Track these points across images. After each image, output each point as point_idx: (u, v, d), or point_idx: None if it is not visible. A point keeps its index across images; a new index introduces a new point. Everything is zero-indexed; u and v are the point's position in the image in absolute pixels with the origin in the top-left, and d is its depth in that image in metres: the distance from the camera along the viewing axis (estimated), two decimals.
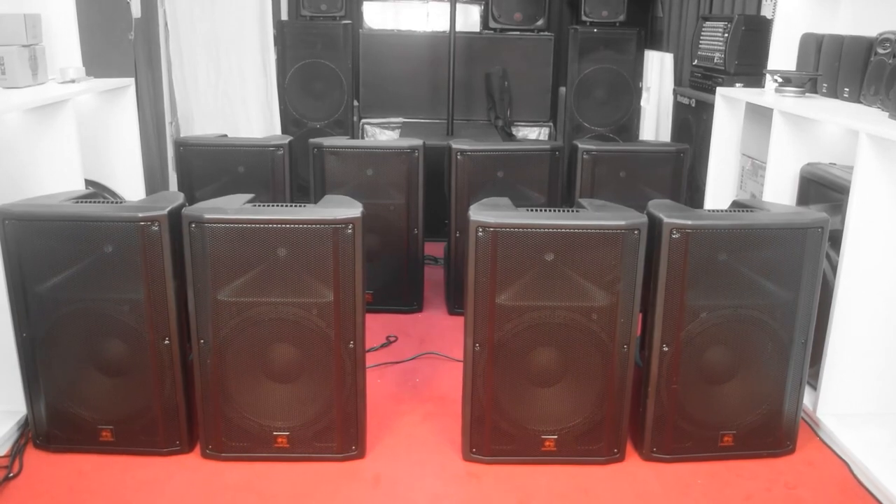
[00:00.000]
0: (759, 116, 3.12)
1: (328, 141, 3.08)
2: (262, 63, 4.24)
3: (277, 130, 4.35)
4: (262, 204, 2.03)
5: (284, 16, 4.68)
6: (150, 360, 2.03)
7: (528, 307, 1.98)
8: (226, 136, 3.41)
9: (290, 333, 2.00)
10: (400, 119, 4.78)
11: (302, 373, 2.04)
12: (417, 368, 2.72)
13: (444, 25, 4.72)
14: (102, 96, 2.97)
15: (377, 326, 3.00)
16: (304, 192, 3.22)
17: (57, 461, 2.08)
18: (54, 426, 2.09)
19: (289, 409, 2.07)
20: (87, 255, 1.95)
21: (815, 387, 2.33)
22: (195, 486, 2.01)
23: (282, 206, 2.00)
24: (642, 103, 4.49)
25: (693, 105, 3.90)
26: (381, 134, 4.77)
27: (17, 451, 2.10)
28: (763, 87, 3.27)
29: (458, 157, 3.05)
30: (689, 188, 3.56)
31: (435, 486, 2.04)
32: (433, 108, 4.76)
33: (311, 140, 3.08)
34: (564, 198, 3.38)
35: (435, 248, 3.77)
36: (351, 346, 2.02)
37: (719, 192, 3.31)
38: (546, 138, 4.81)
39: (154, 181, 3.69)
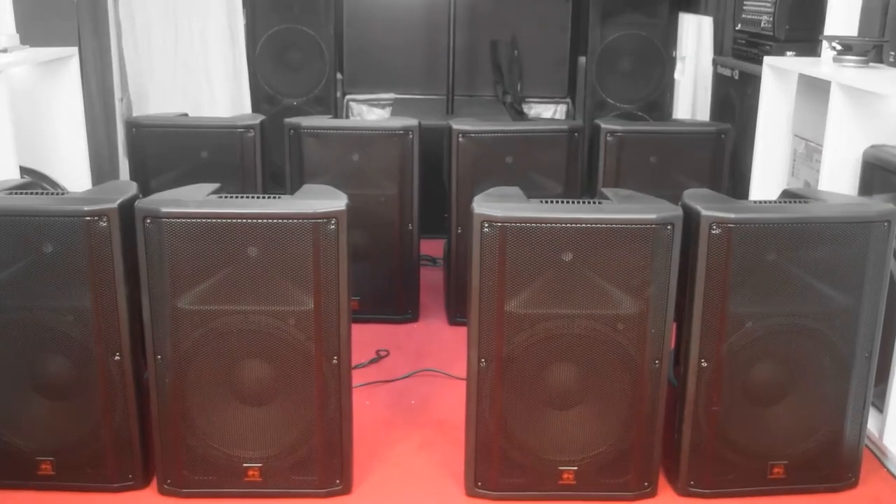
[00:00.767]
0: (815, 91, 3.12)
1: (307, 121, 3.08)
2: (228, 29, 4.24)
3: (247, 109, 4.35)
4: (229, 195, 2.03)
5: None
6: (97, 380, 2.03)
7: (543, 316, 1.99)
8: (186, 115, 3.42)
9: (263, 347, 2.01)
10: (391, 95, 4.78)
11: (277, 394, 2.05)
12: (413, 388, 2.72)
13: None
14: (40, 69, 2.97)
15: (365, 339, 3.01)
16: (278, 182, 3.23)
17: None
18: None
19: (262, 437, 2.07)
20: (22, 256, 1.95)
21: (881, 409, 2.33)
22: None
23: (253, 197, 2.01)
24: (676, 76, 4.49)
25: (736, 78, 3.90)
26: (369, 113, 4.78)
27: None
28: (819, 55, 3.27)
29: (460, 139, 3.05)
30: (732, 176, 3.57)
31: None
32: (430, 83, 4.76)
33: (287, 120, 3.08)
34: (585, 187, 3.38)
35: (433, 247, 3.78)
36: (335, 361, 2.02)
37: (767, 180, 3.32)
38: (563, 117, 4.82)
39: (102, 169, 3.70)
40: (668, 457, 2.15)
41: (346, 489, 2.13)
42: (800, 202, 2.10)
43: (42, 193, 2.07)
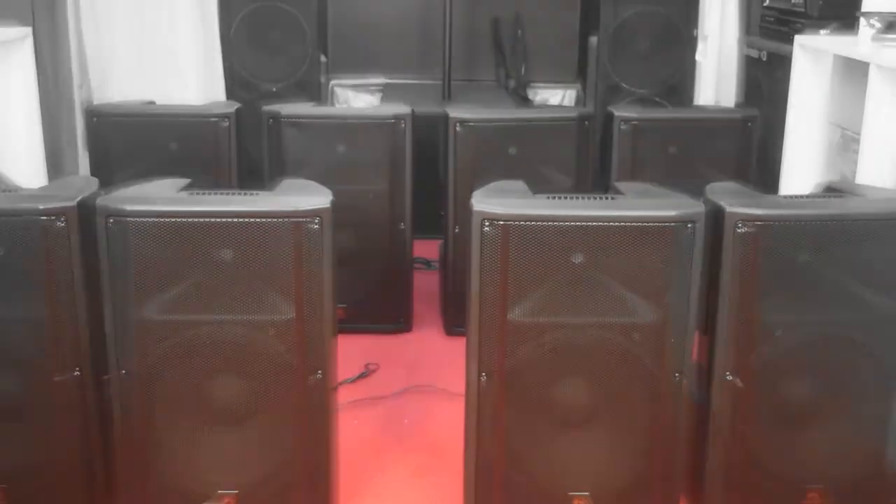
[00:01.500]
0: (852, 73, 3.12)
1: (287, 108, 3.08)
2: (199, 7, 4.24)
3: (221, 96, 4.34)
4: (201, 191, 2.03)
5: None
6: (53, 398, 2.02)
7: (551, 325, 1.99)
8: (153, 103, 3.41)
9: (239, 361, 2.00)
10: (381, 80, 4.78)
11: (254, 413, 2.04)
12: (405, 406, 2.72)
13: None
14: None
15: (352, 351, 3.00)
16: (255, 176, 3.23)
17: None
18: None
19: (237, 462, 2.07)
20: None
21: None
22: None
23: (227, 194, 2.00)
24: (698, 57, 4.49)
25: (764, 59, 3.90)
26: (357, 99, 4.77)
27: None
28: (856, 34, 3.27)
29: (458, 128, 3.06)
30: (760, 168, 3.57)
31: None
32: (424, 66, 4.76)
33: (265, 108, 3.08)
34: (597, 181, 3.38)
35: (427, 249, 3.78)
36: (318, 377, 2.02)
37: (799, 172, 3.31)
38: (572, 104, 4.81)
39: (59, 162, 3.68)
40: (692, 482, 2.15)
41: None
42: (836, 197, 2.10)
43: None
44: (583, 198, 2.01)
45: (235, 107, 3.13)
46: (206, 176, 3.05)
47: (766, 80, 3.90)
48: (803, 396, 2.07)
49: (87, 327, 1.99)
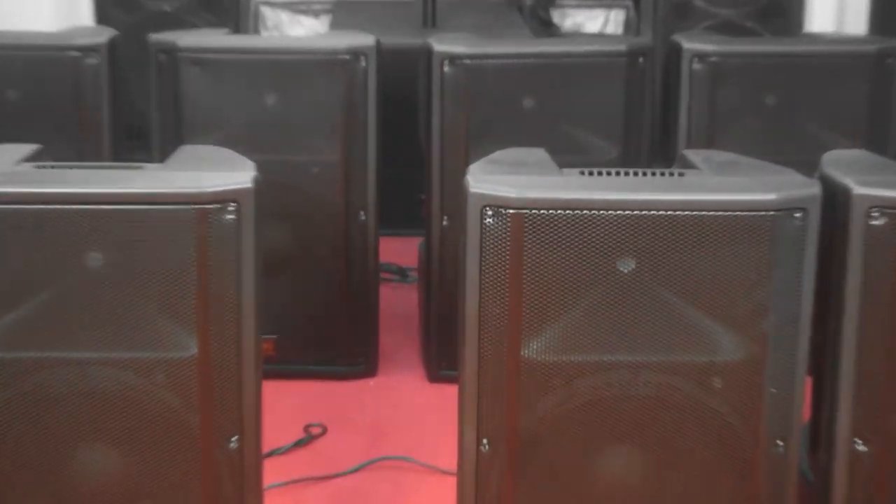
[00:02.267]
0: None
1: (188, 38, 3.08)
2: None
3: (87, 19, 4.34)
4: (55, 163, 2.03)
5: None
6: None
7: (586, 365, 1.99)
8: None
9: (112, 422, 2.00)
10: None
11: (137, 500, 2.04)
12: (368, 488, 2.73)
13: None
14: None
15: (288, 406, 3.02)
16: (139, 140, 3.22)
17: None
18: None
19: None
20: None
21: None
22: None
23: (95, 167, 2.00)
24: None
25: None
26: (294, 24, 4.77)
27: None
28: None
29: (447, 68, 3.05)
30: None
31: None
32: None
33: (155, 37, 3.07)
34: (656, 149, 3.38)
35: (402, 251, 3.78)
36: (233, 444, 2.02)
37: None
38: (620, 31, 4.82)
39: None
40: None
41: None
42: None
43: None
44: (635, 174, 2.01)
45: (108, 35, 3.11)
46: (63, 140, 3.04)
47: None
48: None
49: None
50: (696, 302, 1.97)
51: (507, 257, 1.94)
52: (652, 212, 1.93)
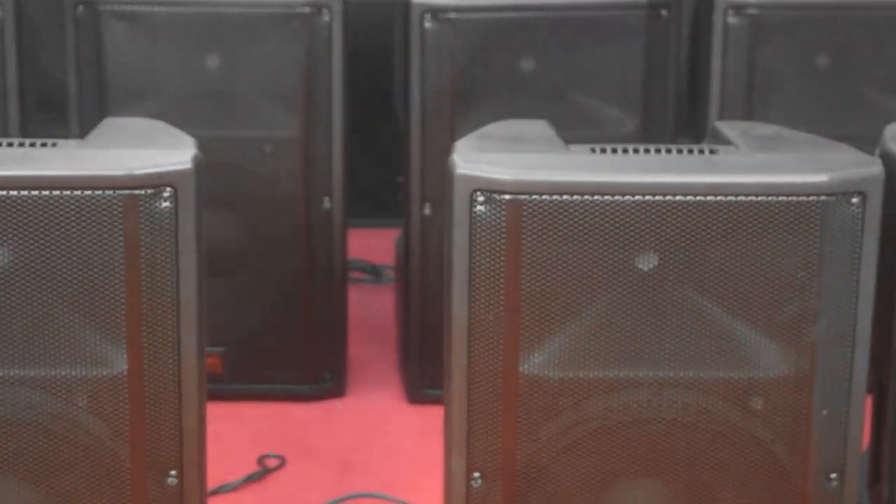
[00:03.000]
0: None
1: None
2: None
3: None
4: None
5: None
6: None
7: (599, 382, 2.00)
8: None
9: (26, 453, 2.01)
10: None
11: None
12: None
13: None
14: None
15: (238, 433, 3.03)
16: (52, 110, 3.22)
17: None
18: None
19: None
20: None
21: None
22: None
23: (1, 144, 2.00)
24: None
25: None
26: None
27: None
28: None
29: (428, 24, 3.06)
30: None
31: None
32: None
33: None
34: (683, 121, 3.39)
35: (375, 245, 3.79)
36: (172, 481, 2.03)
37: None
38: None
39: None
40: None
41: None
42: None
43: None
44: (657, 151, 2.02)
45: None
46: None
47: None
48: None
49: None
50: (730, 306, 1.98)
51: (502, 253, 1.95)
52: (678, 197, 1.94)
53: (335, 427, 3.14)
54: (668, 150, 2.03)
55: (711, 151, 2.05)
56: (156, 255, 1.96)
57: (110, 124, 2.18)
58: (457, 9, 3.06)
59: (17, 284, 1.95)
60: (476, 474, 2.02)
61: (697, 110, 3.29)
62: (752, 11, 3.16)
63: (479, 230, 1.94)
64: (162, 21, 3.04)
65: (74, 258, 1.95)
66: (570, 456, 2.02)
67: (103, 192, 1.93)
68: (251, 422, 3.09)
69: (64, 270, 1.95)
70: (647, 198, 1.94)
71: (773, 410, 2.01)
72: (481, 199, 1.94)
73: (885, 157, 2.01)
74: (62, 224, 1.93)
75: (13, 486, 2.02)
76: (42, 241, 1.94)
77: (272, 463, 2.95)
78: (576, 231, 1.94)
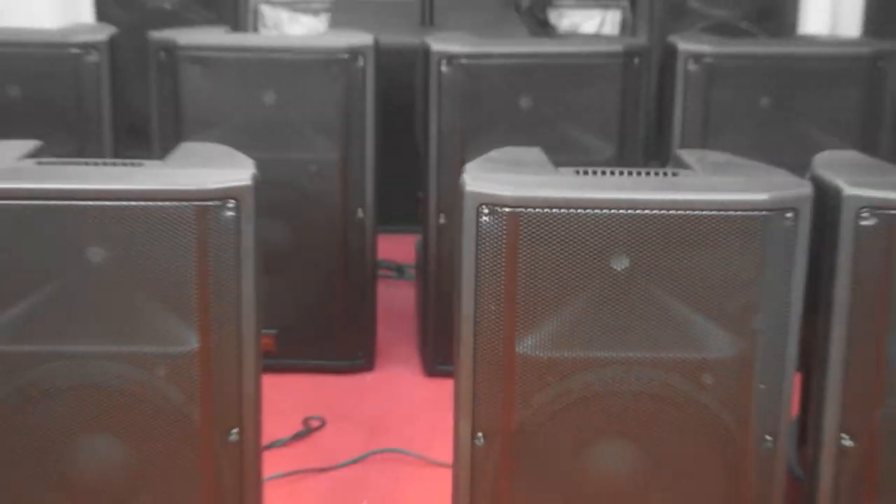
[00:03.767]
0: None
1: (187, 36, 3.08)
2: None
3: (87, 17, 4.34)
4: (55, 160, 2.04)
5: None
6: None
7: (580, 361, 2.00)
8: None
9: (115, 414, 2.01)
10: None
11: (138, 491, 2.05)
12: (365, 480, 2.74)
13: None
14: None
15: (287, 400, 3.03)
16: (139, 138, 3.23)
17: None
18: None
19: None
20: None
21: None
22: None
23: (95, 164, 2.01)
24: None
25: None
26: (293, 23, 4.78)
27: None
28: None
29: (444, 68, 3.06)
30: None
31: None
32: None
33: (154, 35, 3.08)
34: (651, 149, 3.39)
35: (399, 248, 3.78)
36: (234, 437, 2.03)
37: None
38: (616, 31, 4.83)
39: None
40: None
41: None
42: None
43: None
44: (630, 173, 2.03)
45: (108, 32, 3.12)
46: (63, 136, 3.05)
47: None
48: None
49: None
50: (688, 300, 1.98)
51: (503, 255, 1.95)
52: (646, 211, 1.94)
53: (365, 396, 3.14)
54: (639, 173, 2.03)
55: (674, 174, 2.06)
56: (221, 255, 1.96)
57: (185, 148, 2.19)
58: (468, 56, 3.07)
59: (110, 277, 1.96)
60: (479, 434, 2.03)
61: (663, 140, 3.28)
62: (707, 60, 3.16)
63: (484, 237, 1.95)
64: (228, 64, 3.04)
65: (156, 256, 1.95)
66: (556, 420, 2.02)
67: (180, 203, 1.94)
68: (298, 391, 3.10)
69: (147, 266, 1.95)
70: (621, 211, 1.94)
71: (721, 385, 2.01)
72: (486, 211, 1.94)
73: (814, 181, 2.02)
74: (147, 228, 1.94)
75: (107, 440, 2.02)
76: (130, 242, 1.94)
77: (315, 424, 2.95)
78: (562, 238, 1.94)
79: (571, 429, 2.03)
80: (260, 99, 3.05)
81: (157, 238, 1.95)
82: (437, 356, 3.20)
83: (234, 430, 2.03)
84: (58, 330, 1.98)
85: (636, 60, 3.16)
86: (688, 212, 1.95)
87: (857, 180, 2.00)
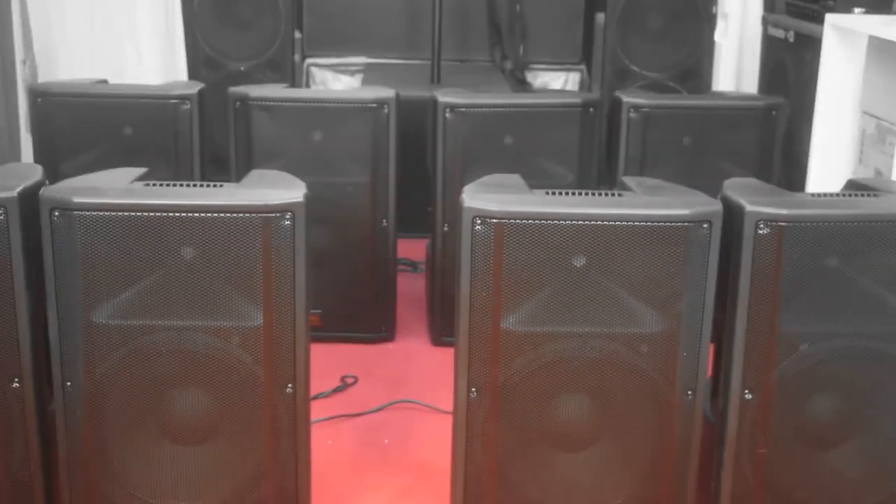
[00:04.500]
0: (889, 57, 3.14)
1: (256, 90, 3.08)
2: None
3: (183, 75, 4.34)
4: (158, 182, 2.03)
5: None
6: None
7: (548, 335, 2.00)
8: (105, 82, 3.40)
9: (200, 372, 2.01)
10: (362, 59, 4.78)
11: (217, 430, 2.05)
12: (387, 423, 2.73)
13: None
14: None
15: (328, 362, 3.01)
16: (220, 166, 3.23)
17: None
18: None
19: (198, 484, 2.07)
20: None
21: None
22: None
23: (188, 185, 2.01)
24: (717, 38, 4.51)
25: (791, 40, 3.92)
26: (335, 81, 4.78)
27: None
28: (894, 13, 3.29)
29: (448, 114, 3.06)
30: (786, 162, 3.58)
31: None
32: (411, 44, 4.76)
33: (232, 89, 3.08)
34: (602, 176, 3.39)
35: (413, 249, 3.78)
36: (289, 390, 2.03)
37: (829, 167, 3.34)
38: (576, 88, 4.82)
39: None
40: None
41: None
42: (869, 195, 2.10)
43: None
44: (586, 194, 2.02)
45: (198, 87, 3.12)
46: (164, 165, 3.05)
47: (792, 64, 3.92)
48: (828, 417, 2.08)
49: (29, 333, 1.98)
50: (629, 289, 1.98)
51: (491, 255, 1.95)
52: (598, 222, 1.95)
53: (388, 360, 3.14)
54: (593, 193, 2.03)
55: (619, 195, 2.05)
56: (281, 253, 1.96)
57: (254, 174, 2.19)
58: (465, 106, 3.07)
59: (198, 269, 1.96)
60: (473, 389, 2.02)
61: (611, 169, 3.28)
62: (644, 110, 3.16)
63: (477, 241, 1.95)
64: (287, 111, 3.04)
65: (233, 254, 1.95)
66: (530, 379, 2.02)
67: (250, 215, 1.94)
68: (337, 356, 3.09)
69: (226, 261, 1.96)
70: (580, 222, 1.95)
71: (654, 353, 2.01)
72: (479, 222, 1.94)
73: (724, 200, 2.01)
74: (226, 233, 1.94)
75: (194, 391, 2.02)
76: (213, 243, 1.95)
77: (349, 381, 2.95)
78: (536, 241, 1.95)
79: (542, 385, 2.03)
80: (310, 137, 3.05)
81: (233, 240, 1.95)
82: (441, 330, 3.19)
83: (289, 385, 2.03)
84: (159, 309, 1.98)
85: (591, 110, 3.16)
86: (630, 223, 1.95)
87: (755, 200, 1.99)
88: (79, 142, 3.09)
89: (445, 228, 3.12)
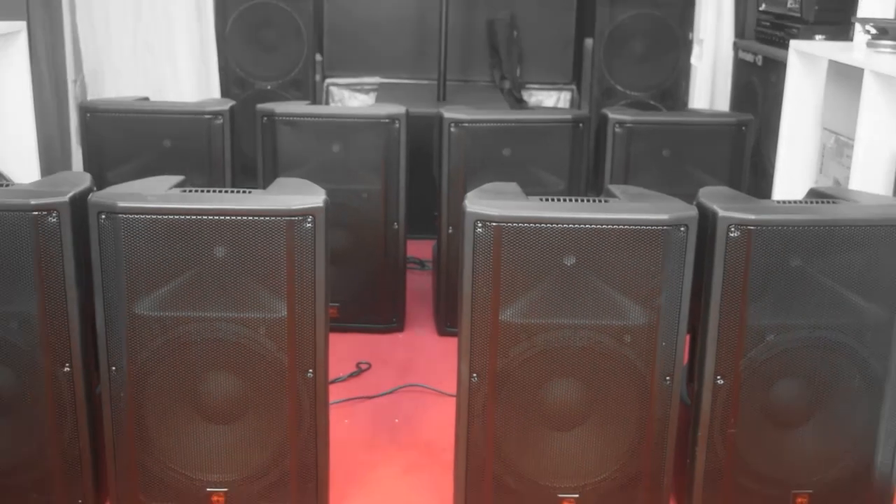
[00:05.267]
0: (846, 79, 3.14)
1: (281, 107, 3.08)
2: (195, 3, 4.24)
3: (216, 93, 4.35)
4: (194, 189, 2.04)
5: None
6: (44, 393, 2.02)
7: (542, 326, 1.99)
8: (147, 99, 3.41)
9: (231, 358, 2.01)
10: (376, 79, 4.78)
11: (245, 410, 2.05)
12: (397, 405, 2.73)
13: None
14: None
15: (345, 350, 3.01)
16: (249, 174, 3.23)
17: None
18: None
19: (228, 458, 2.07)
20: None
21: None
22: None
23: (220, 191, 2.01)
24: (693, 61, 4.51)
25: (759, 64, 3.92)
26: (352, 98, 4.78)
27: None
28: (851, 40, 3.29)
29: (452, 129, 3.06)
30: (754, 172, 3.58)
31: None
32: (419, 66, 4.76)
33: (260, 106, 3.08)
34: (590, 184, 3.39)
35: (421, 249, 3.78)
36: (310, 375, 2.03)
37: (792, 177, 3.33)
38: (567, 106, 4.82)
39: (52, 158, 3.69)
40: (680, 483, 2.15)
41: None
42: (828, 202, 2.10)
43: None
44: (576, 200, 2.02)
45: (230, 104, 3.12)
46: (199, 174, 3.05)
47: (760, 85, 3.92)
48: (791, 400, 2.08)
49: (79, 323, 1.99)
50: (614, 285, 1.98)
51: (491, 255, 1.95)
52: (587, 225, 1.95)
53: (399, 347, 3.13)
54: (582, 200, 2.02)
55: (605, 201, 2.05)
56: (303, 252, 1.96)
57: (280, 182, 2.19)
58: (468, 121, 3.06)
59: (230, 267, 1.96)
60: (474, 375, 2.02)
61: (598, 178, 3.28)
62: (628, 125, 3.15)
63: (478, 242, 1.95)
64: (309, 125, 3.04)
65: (259, 252, 1.96)
66: (525, 366, 2.02)
67: (275, 218, 1.94)
68: (352, 344, 3.09)
69: (254, 259, 1.96)
70: (571, 225, 1.94)
71: (636, 342, 2.01)
72: (480, 225, 1.94)
73: (699, 206, 2.01)
74: (254, 234, 1.94)
75: (225, 375, 2.02)
76: (242, 243, 1.95)
77: (364, 366, 2.95)
78: (531, 242, 1.94)
79: (536, 371, 2.03)
80: (330, 149, 3.05)
81: (260, 241, 1.95)
82: (446, 321, 3.18)
83: (310, 370, 2.03)
84: (194, 302, 1.98)
85: (580, 125, 3.16)
86: (615, 226, 1.95)
87: (727, 206, 1.99)
88: (123, 153, 3.09)
89: (450, 230, 3.12)
